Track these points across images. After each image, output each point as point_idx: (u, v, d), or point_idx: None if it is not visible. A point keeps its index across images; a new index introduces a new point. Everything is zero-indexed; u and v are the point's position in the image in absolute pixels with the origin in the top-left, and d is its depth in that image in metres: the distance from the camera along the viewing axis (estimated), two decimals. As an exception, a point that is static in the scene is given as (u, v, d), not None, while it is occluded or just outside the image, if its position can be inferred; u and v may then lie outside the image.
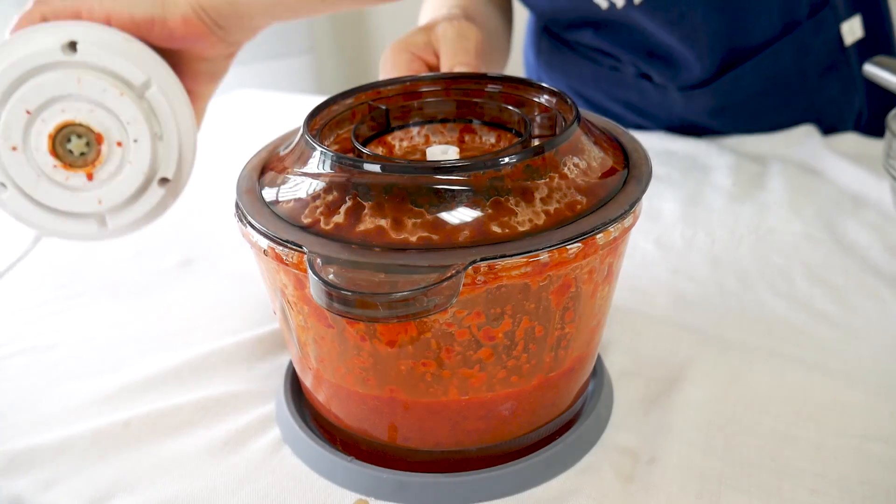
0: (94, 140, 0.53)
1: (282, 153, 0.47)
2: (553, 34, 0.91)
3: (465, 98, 0.52)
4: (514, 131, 0.50)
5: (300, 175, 0.43)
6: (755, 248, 0.68)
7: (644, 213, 0.73)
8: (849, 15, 0.84)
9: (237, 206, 0.44)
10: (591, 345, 0.47)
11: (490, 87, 0.52)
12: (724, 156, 0.83)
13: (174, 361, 0.56)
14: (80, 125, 0.53)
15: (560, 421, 0.47)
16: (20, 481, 0.47)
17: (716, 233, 0.71)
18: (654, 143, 0.86)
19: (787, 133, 0.85)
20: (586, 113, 0.49)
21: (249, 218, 0.42)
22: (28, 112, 0.52)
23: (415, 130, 0.52)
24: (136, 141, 0.54)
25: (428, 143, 0.52)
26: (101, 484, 0.46)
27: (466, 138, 0.52)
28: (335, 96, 0.50)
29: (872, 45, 0.86)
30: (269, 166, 0.46)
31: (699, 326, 0.58)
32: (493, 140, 0.52)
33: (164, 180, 0.56)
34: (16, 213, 0.55)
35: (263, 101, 1.16)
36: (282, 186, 0.43)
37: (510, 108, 0.50)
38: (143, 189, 0.55)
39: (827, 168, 0.79)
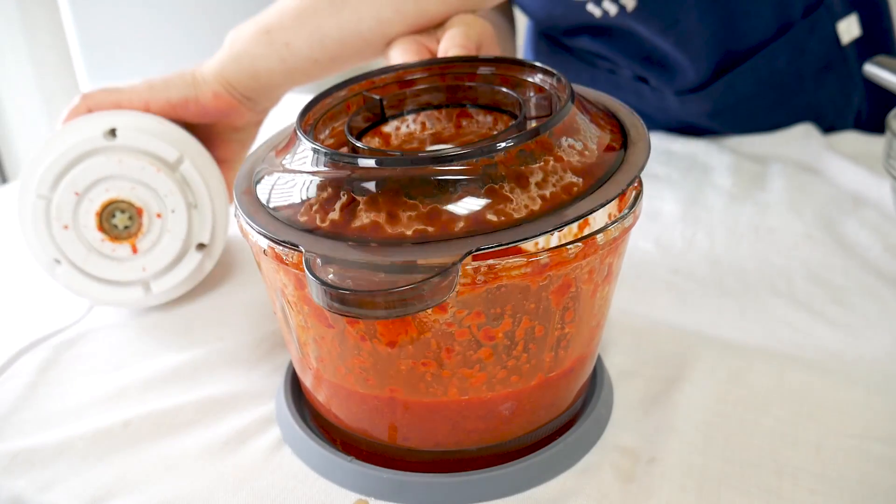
0: (135, 214, 0.58)
1: (277, 151, 0.46)
2: (551, 38, 0.91)
3: (458, 83, 0.51)
4: (509, 113, 0.50)
5: (295, 173, 0.43)
6: (755, 248, 0.68)
7: (644, 213, 0.73)
8: (845, 13, 0.84)
9: (237, 206, 0.44)
10: (591, 345, 0.47)
11: (482, 70, 0.51)
12: (724, 156, 0.83)
13: (174, 361, 0.56)
14: (123, 201, 0.58)
15: (560, 421, 0.47)
16: (20, 481, 0.47)
17: (716, 233, 0.70)
18: (653, 143, 0.85)
19: (787, 132, 0.85)
20: (582, 89, 0.48)
21: (248, 219, 0.42)
22: (77, 194, 0.57)
23: (410, 118, 0.52)
24: (173, 211, 0.58)
25: (424, 130, 0.52)
26: (101, 484, 0.46)
27: (464, 123, 0.52)
28: (328, 89, 0.50)
29: (871, 43, 0.86)
30: (265, 165, 0.46)
31: (699, 326, 0.58)
32: (490, 123, 0.51)
33: (200, 245, 0.60)
34: (69, 285, 0.60)
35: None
36: (278, 185, 0.43)
37: (504, 89, 0.49)
38: (182, 255, 0.60)
39: (827, 168, 0.79)
